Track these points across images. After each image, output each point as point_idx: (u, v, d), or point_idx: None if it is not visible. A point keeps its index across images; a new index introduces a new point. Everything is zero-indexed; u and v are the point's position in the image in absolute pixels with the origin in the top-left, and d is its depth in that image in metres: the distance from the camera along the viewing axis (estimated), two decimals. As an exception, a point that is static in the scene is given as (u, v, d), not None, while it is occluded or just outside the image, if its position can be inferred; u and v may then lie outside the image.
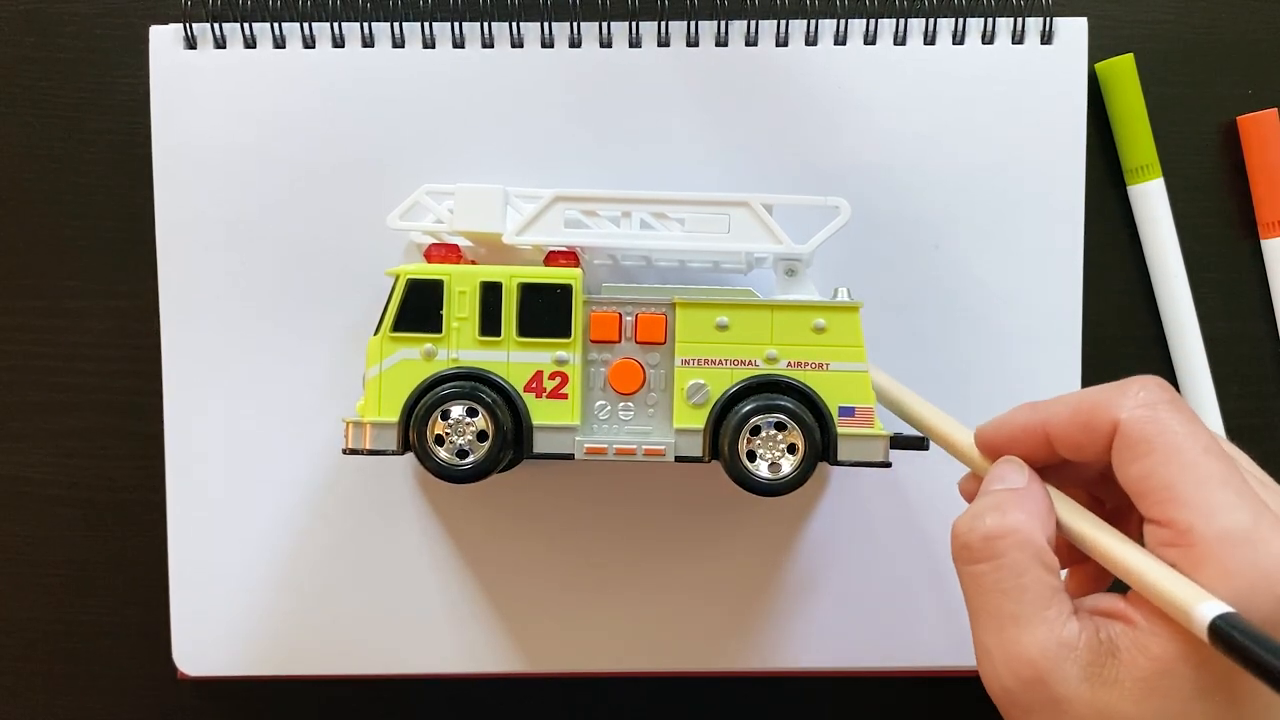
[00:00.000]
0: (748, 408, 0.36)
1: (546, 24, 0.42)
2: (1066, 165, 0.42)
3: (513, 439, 0.37)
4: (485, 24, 0.42)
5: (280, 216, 0.43)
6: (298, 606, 0.43)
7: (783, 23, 0.42)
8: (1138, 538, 0.30)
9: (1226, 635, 0.26)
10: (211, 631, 0.43)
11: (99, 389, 0.45)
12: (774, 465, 0.36)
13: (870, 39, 0.42)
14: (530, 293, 0.37)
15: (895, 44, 0.42)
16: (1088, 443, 0.31)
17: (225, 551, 0.43)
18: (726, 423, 0.37)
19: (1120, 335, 0.45)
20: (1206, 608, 0.27)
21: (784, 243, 0.38)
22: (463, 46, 0.42)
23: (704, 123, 0.42)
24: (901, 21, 0.42)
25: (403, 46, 0.42)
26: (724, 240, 0.38)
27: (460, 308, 0.37)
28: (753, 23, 0.42)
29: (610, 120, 0.42)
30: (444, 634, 0.43)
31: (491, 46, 0.42)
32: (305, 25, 0.42)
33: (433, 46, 0.42)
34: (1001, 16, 0.42)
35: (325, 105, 0.42)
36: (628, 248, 0.39)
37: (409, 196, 0.40)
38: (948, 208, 0.43)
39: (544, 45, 0.42)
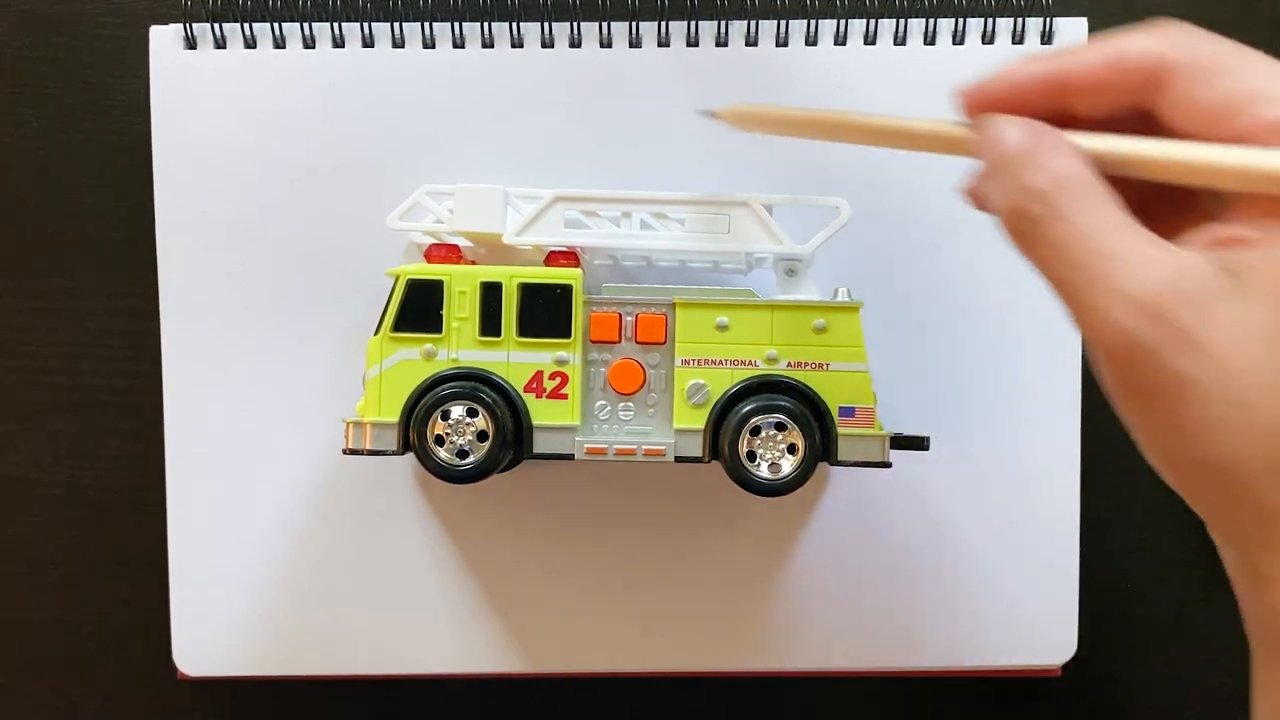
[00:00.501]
0: (748, 408, 0.36)
1: (546, 24, 0.42)
2: (1067, 165, 0.42)
3: (513, 439, 0.37)
4: (485, 24, 0.42)
5: (280, 216, 0.43)
6: (298, 606, 0.43)
7: (783, 23, 0.42)
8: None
9: None
10: (211, 631, 0.43)
11: (99, 389, 0.45)
12: (774, 465, 0.36)
13: (870, 39, 0.42)
14: (530, 293, 0.37)
15: (895, 44, 0.42)
16: (1116, 86, 0.28)
17: (225, 551, 0.43)
18: (726, 423, 0.37)
19: (1120, 335, 0.44)
20: None
21: (784, 243, 0.38)
22: (463, 46, 0.42)
23: (704, 123, 0.42)
24: (901, 22, 0.42)
25: (403, 47, 0.42)
26: (724, 240, 0.38)
27: (460, 308, 0.37)
28: (753, 23, 0.42)
29: (610, 120, 0.43)
30: (444, 634, 0.43)
31: (491, 46, 0.42)
32: (305, 25, 0.42)
33: (433, 46, 0.42)
34: (1002, 17, 0.42)
35: (325, 105, 0.42)
36: (628, 248, 0.39)
37: (409, 197, 0.40)
38: (948, 208, 0.42)
39: (544, 45, 0.42)
